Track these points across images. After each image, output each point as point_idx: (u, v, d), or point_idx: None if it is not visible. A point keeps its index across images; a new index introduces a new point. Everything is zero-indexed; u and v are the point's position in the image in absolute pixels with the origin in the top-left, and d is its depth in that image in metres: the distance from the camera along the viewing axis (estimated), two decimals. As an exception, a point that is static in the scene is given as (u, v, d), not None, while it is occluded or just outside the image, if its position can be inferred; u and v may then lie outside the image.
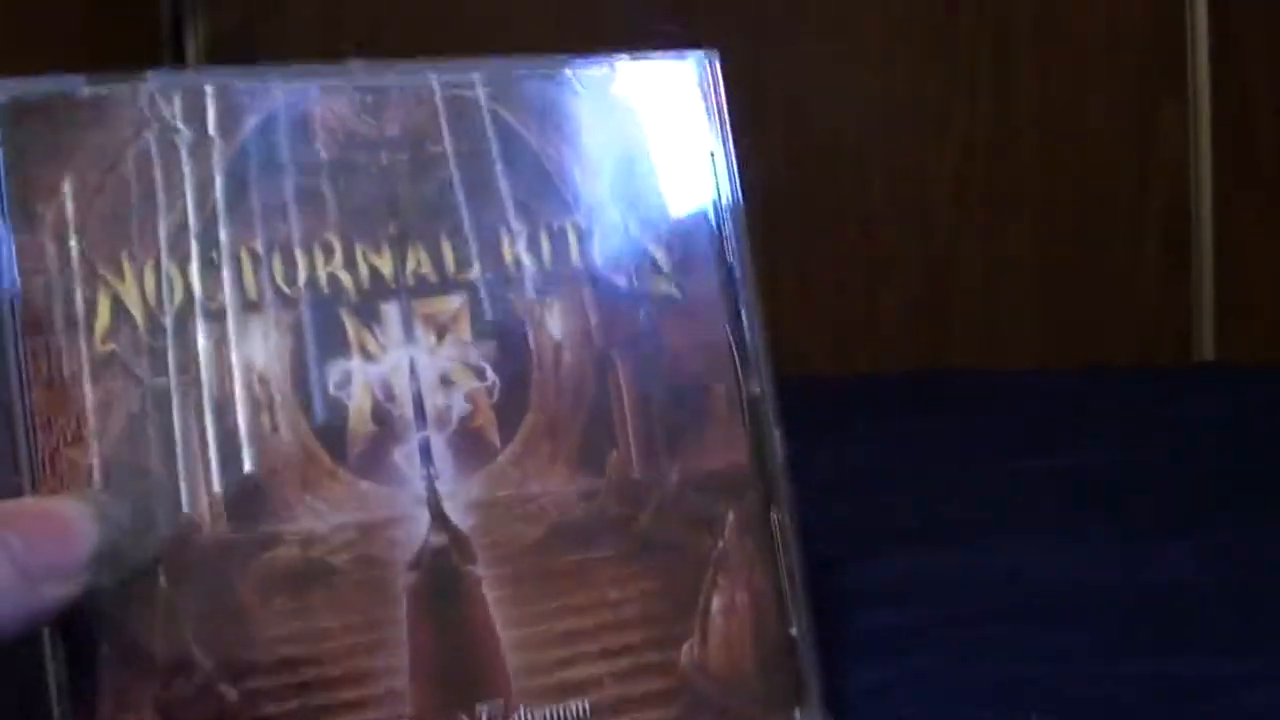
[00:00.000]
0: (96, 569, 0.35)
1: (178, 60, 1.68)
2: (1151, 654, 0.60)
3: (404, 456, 0.42)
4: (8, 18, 1.41)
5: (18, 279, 0.38)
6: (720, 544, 0.45)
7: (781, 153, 1.48)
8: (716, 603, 0.45)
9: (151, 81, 0.40)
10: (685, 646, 0.44)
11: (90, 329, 0.39)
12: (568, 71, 0.45)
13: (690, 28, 1.59)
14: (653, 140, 0.46)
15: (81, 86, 0.39)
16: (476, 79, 0.44)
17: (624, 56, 0.46)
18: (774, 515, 0.46)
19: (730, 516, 0.45)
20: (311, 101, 0.42)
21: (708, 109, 0.47)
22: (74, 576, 0.35)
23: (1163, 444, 1.00)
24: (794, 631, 0.45)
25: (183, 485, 0.39)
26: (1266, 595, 0.68)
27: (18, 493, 0.37)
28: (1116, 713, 0.56)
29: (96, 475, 0.38)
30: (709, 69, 0.47)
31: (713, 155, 0.47)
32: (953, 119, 1.54)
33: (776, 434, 0.46)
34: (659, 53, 0.47)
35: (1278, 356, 1.45)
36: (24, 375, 0.38)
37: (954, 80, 1.54)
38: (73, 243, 0.39)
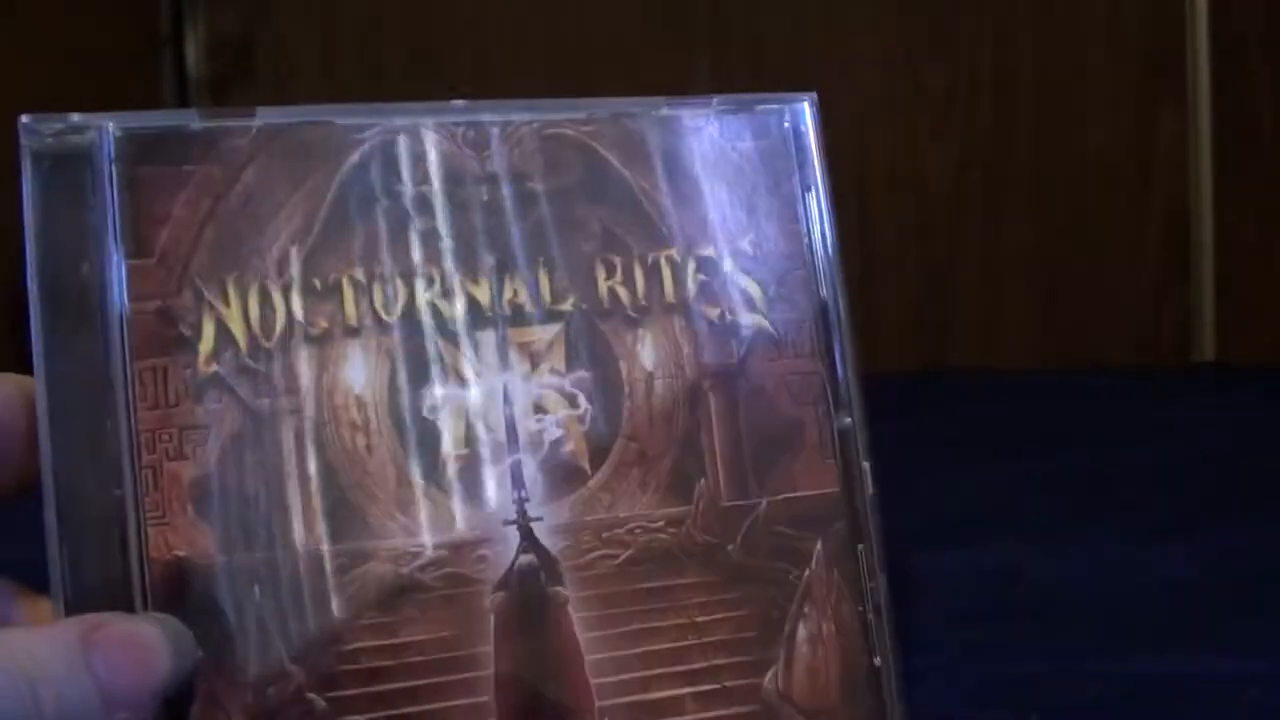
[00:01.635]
0: (162, 696, 0.36)
1: (177, 59, 1.68)
2: (1152, 654, 0.60)
3: (495, 479, 0.43)
4: (8, 18, 1.41)
5: (129, 303, 0.40)
6: (807, 573, 0.46)
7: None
8: (802, 631, 0.45)
9: (259, 117, 0.42)
10: (769, 673, 0.45)
11: (195, 351, 0.41)
12: (666, 111, 0.47)
13: (688, 29, 1.59)
14: (748, 178, 0.47)
15: (195, 120, 0.42)
16: (574, 117, 0.46)
17: (723, 98, 0.47)
18: (861, 547, 0.46)
19: (818, 546, 0.46)
20: (415, 137, 0.44)
21: (803, 149, 0.48)
22: (146, 705, 0.35)
23: (1163, 444, 1.00)
24: (877, 661, 0.46)
25: (279, 502, 0.41)
26: (1266, 595, 0.68)
27: (119, 506, 0.39)
28: (1116, 713, 0.55)
29: (196, 491, 0.40)
30: (807, 113, 0.48)
31: (808, 192, 0.48)
32: (953, 119, 1.54)
33: (866, 466, 0.47)
34: (757, 96, 0.48)
35: (1278, 357, 1.45)
36: (131, 395, 0.40)
37: (954, 80, 1.54)
38: (181, 268, 0.41)
